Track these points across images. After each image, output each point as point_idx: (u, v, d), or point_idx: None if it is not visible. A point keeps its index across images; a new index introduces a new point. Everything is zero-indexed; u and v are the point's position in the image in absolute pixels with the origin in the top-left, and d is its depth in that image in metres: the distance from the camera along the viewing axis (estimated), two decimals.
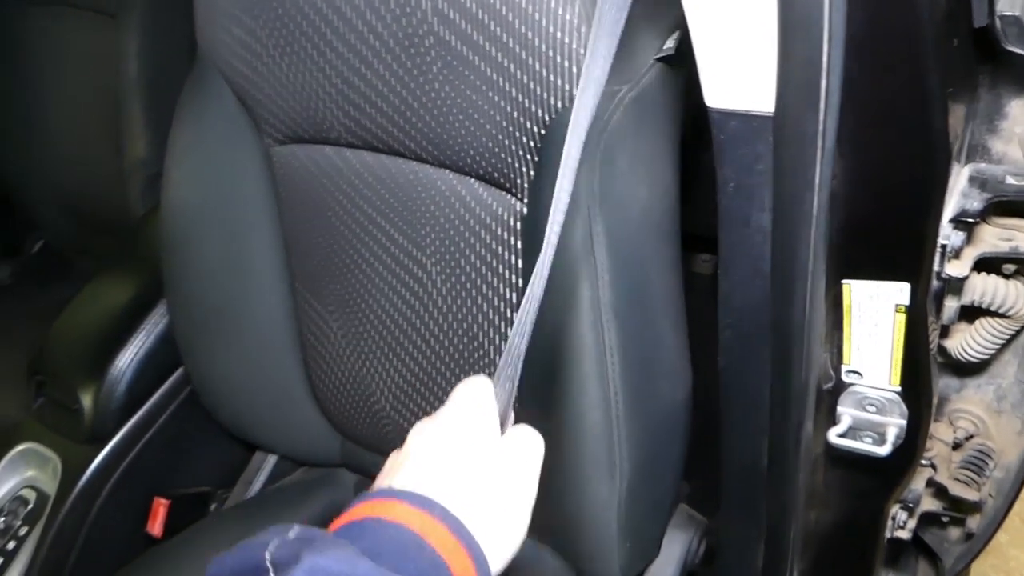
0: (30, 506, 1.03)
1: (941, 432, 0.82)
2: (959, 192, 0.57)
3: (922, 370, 0.65)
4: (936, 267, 0.58)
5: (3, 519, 1.02)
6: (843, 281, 0.60)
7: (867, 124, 0.49)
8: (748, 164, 0.52)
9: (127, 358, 1.01)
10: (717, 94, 0.51)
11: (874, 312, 0.62)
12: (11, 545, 1.00)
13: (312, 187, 0.84)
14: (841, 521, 0.81)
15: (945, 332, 0.69)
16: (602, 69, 0.53)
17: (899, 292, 0.59)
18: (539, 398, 0.74)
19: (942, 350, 0.72)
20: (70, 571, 1.00)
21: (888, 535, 0.85)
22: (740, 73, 0.49)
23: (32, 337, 1.10)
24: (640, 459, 0.74)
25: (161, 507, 1.04)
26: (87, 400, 1.00)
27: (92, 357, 1.01)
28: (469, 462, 0.48)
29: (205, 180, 0.88)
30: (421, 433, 0.50)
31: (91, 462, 1.00)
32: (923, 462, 0.82)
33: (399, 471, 0.47)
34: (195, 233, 0.90)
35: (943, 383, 0.80)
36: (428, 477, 0.46)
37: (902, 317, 0.61)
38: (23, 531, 1.01)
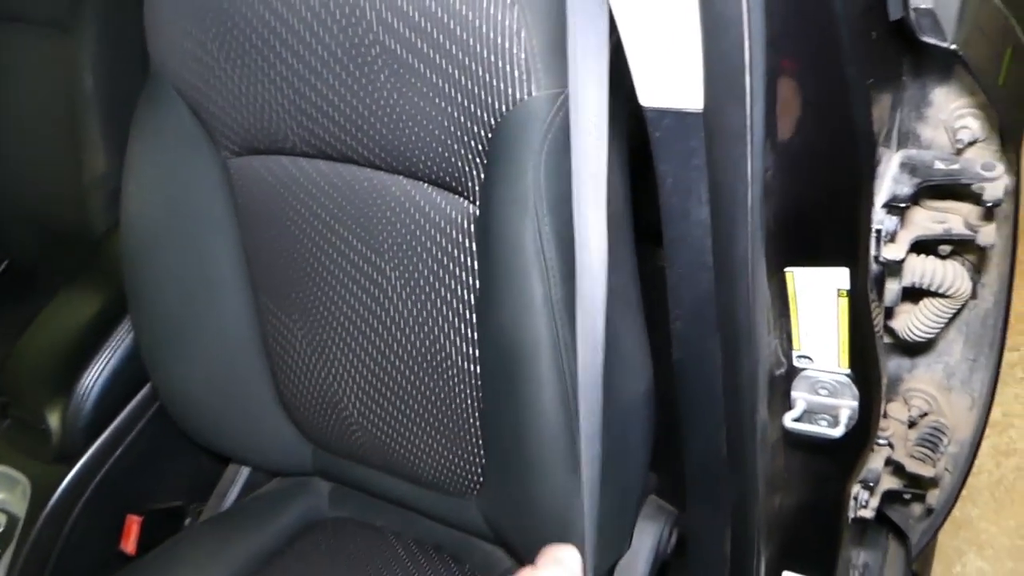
0: (0, 530, 1.02)
1: (896, 411, 0.84)
2: (890, 178, 0.58)
3: (869, 352, 0.67)
4: (873, 251, 0.60)
5: None
6: (786, 269, 0.62)
7: (792, 117, 0.51)
8: (684, 160, 0.53)
9: (93, 375, 1.01)
10: (649, 93, 0.52)
11: (817, 298, 0.63)
12: None
13: (270, 197, 0.84)
14: (804, 504, 0.83)
15: (890, 314, 0.71)
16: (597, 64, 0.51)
17: (839, 277, 0.61)
18: (499, 398, 0.75)
19: (890, 331, 0.74)
20: None
21: (852, 515, 0.86)
22: (669, 72, 0.50)
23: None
24: (602, 453, 0.75)
25: (134, 524, 1.04)
26: (54, 419, 1.00)
27: (57, 375, 1.01)
28: None
29: (163, 193, 0.88)
30: None
31: (60, 482, 1.00)
32: (880, 441, 0.84)
33: None
34: (155, 247, 0.90)
35: (895, 363, 0.82)
36: None
37: (844, 301, 0.63)
38: None
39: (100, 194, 1.18)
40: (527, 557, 0.86)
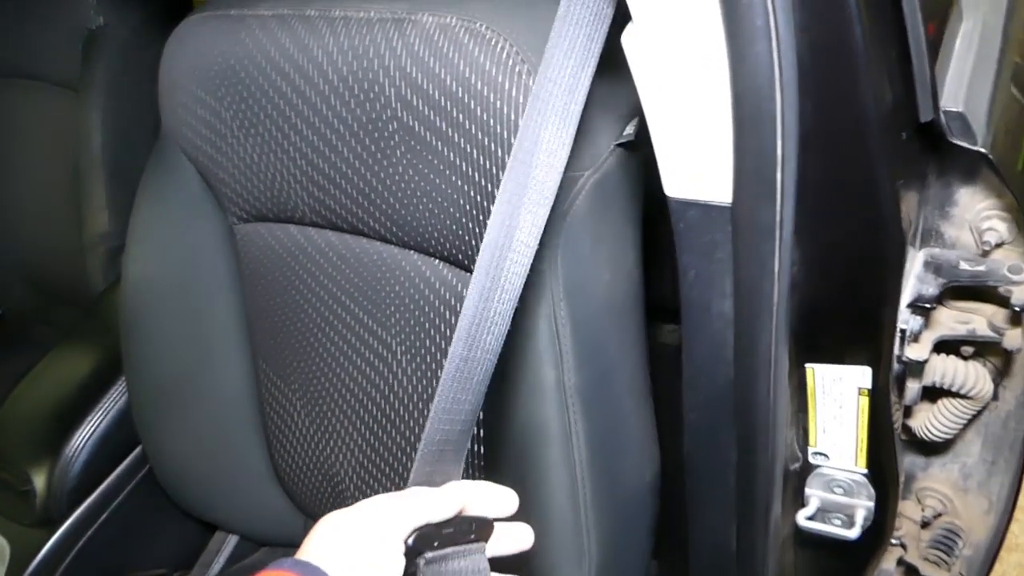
0: None
1: (909, 510, 0.81)
2: (915, 276, 0.57)
3: (887, 451, 0.65)
4: (896, 351, 0.59)
5: None
6: (806, 365, 0.60)
7: (822, 215, 0.50)
8: (708, 252, 0.52)
9: (83, 437, 0.98)
10: (676, 184, 0.51)
11: (838, 395, 0.62)
12: None
13: (276, 265, 0.83)
14: None
15: (908, 412, 0.69)
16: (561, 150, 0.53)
17: (861, 376, 0.59)
18: (507, 482, 0.73)
19: (907, 429, 0.72)
20: None
21: None
22: (697, 165, 0.49)
23: None
24: (608, 543, 0.72)
25: None
26: (39, 481, 0.97)
27: (45, 436, 0.99)
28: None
29: (167, 256, 0.87)
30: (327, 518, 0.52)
31: (42, 547, 0.96)
32: (893, 541, 0.81)
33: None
34: (155, 309, 0.89)
35: (909, 461, 0.80)
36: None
37: (865, 400, 0.61)
38: None
39: (100, 252, 1.17)
40: None
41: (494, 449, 0.74)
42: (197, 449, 0.95)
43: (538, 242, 0.53)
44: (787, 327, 0.54)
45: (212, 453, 0.95)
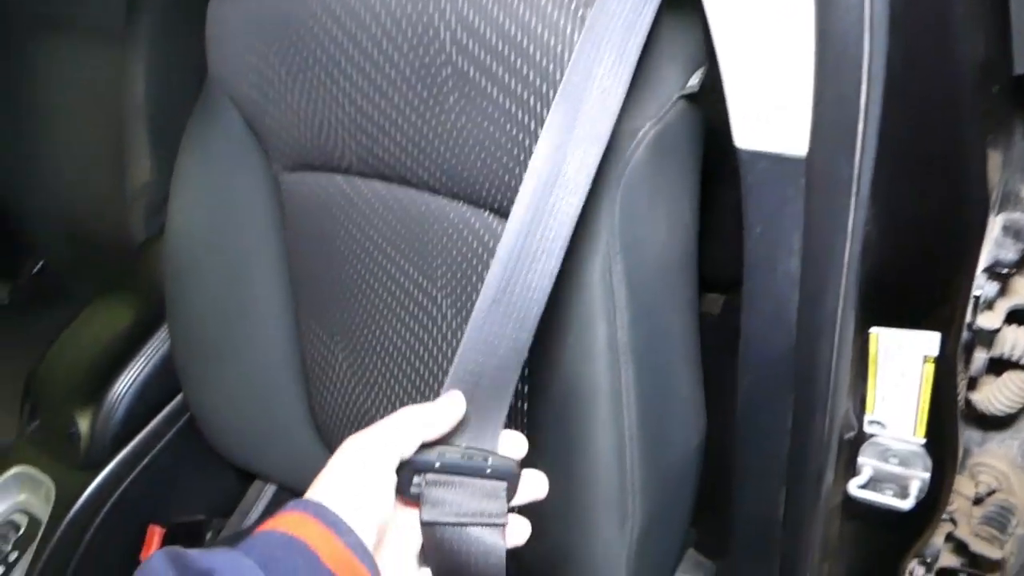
0: (21, 531, 1.00)
1: (962, 486, 0.79)
2: (993, 241, 0.55)
3: (948, 423, 0.63)
4: (968, 318, 0.56)
5: None
6: (871, 330, 0.58)
7: (903, 170, 0.47)
8: (777, 207, 0.50)
9: (125, 384, 0.99)
10: (747, 134, 0.49)
11: (901, 362, 0.59)
12: (0, 570, 0.97)
13: (321, 215, 0.82)
14: (855, 574, 0.79)
15: (972, 384, 0.67)
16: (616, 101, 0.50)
17: (928, 342, 0.57)
18: (549, 441, 0.72)
19: (967, 402, 0.70)
20: None
21: None
22: (772, 113, 0.47)
23: (28, 359, 1.08)
24: (652, 507, 0.71)
25: (156, 536, 1.02)
26: (83, 426, 0.97)
27: (89, 382, 0.99)
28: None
29: (211, 206, 0.86)
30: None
31: (85, 488, 0.97)
32: (944, 516, 0.79)
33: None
34: (199, 259, 0.88)
35: (966, 435, 0.77)
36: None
37: (930, 368, 0.59)
38: (13, 556, 0.98)
39: (142, 203, 1.17)
40: None
41: (539, 406, 0.73)
42: (238, 398, 0.95)
43: (589, 183, 0.50)
44: (856, 288, 0.52)
45: (252, 402, 0.96)
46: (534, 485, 0.56)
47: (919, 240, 0.50)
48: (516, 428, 0.77)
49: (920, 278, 0.53)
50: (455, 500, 0.49)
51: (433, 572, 0.50)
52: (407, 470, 0.50)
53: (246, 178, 0.85)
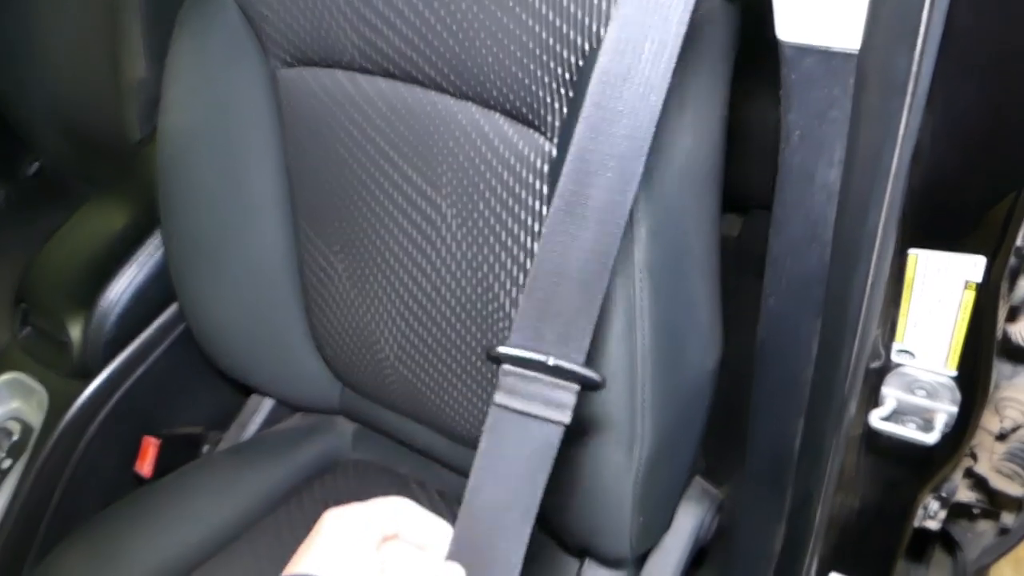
0: (14, 438, 0.98)
1: (986, 420, 0.76)
2: None
3: (984, 355, 0.59)
4: (1018, 241, 0.52)
5: None
6: (910, 251, 0.53)
7: (966, 70, 0.42)
8: (821, 110, 0.45)
9: (118, 290, 0.95)
10: (793, 26, 0.43)
11: (940, 287, 0.55)
12: None
13: (320, 115, 0.77)
14: (869, 508, 0.76)
15: (1012, 314, 0.63)
16: None
17: (972, 266, 0.52)
18: None
19: (1003, 333, 0.66)
20: (55, 507, 0.96)
21: (917, 523, 0.79)
22: (823, 2, 0.42)
23: (23, 262, 1.05)
24: (662, 429, 0.68)
25: (151, 446, 1.00)
26: (75, 332, 0.94)
27: (81, 287, 0.96)
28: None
29: (205, 102, 0.81)
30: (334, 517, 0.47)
31: (78, 396, 0.95)
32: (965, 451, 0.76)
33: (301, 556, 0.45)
34: (192, 158, 0.83)
35: (996, 368, 0.73)
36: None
37: (971, 295, 0.55)
38: (6, 464, 0.97)
39: (137, 101, 1.11)
40: (559, 529, 0.80)
41: None
42: (234, 308, 0.92)
43: (669, 74, 0.43)
44: (900, 204, 0.47)
45: (249, 313, 0.92)
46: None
47: (975, 149, 0.45)
48: None
49: (971, 193, 0.48)
50: (528, 391, 0.48)
51: (482, 456, 0.48)
52: (495, 359, 0.48)
53: (243, 72, 0.79)
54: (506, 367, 0.47)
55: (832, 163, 0.47)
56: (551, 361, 0.46)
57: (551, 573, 0.88)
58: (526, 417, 0.48)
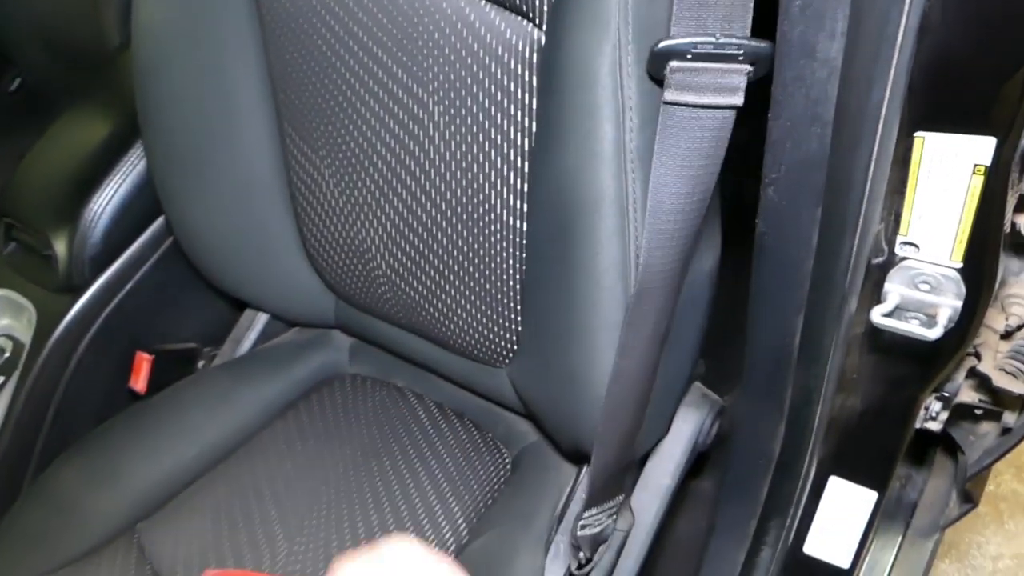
0: (6, 355, 0.97)
1: (990, 318, 0.74)
2: None
3: (991, 245, 0.57)
4: None
5: None
6: (916, 134, 0.51)
7: None
8: None
9: (102, 202, 0.93)
10: None
11: (947, 173, 0.53)
12: None
13: (300, 9, 0.73)
14: (870, 408, 0.75)
15: (1021, 205, 0.60)
16: None
17: (982, 148, 0.50)
18: (548, 258, 0.66)
19: (1012, 225, 0.63)
20: (50, 423, 0.95)
21: (918, 425, 0.78)
22: None
23: (6, 178, 1.02)
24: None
25: (144, 362, 0.99)
26: (60, 247, 0.92)
27: (63, 200, 0.93)
28: None
29: None
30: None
31: (67, 313, 0.94)
32: (969, 350, 0.74)
33: None
34: (169, 61, 0.80)
35: (1003, 263, 0.71)
36: None
37: (979, 180, 0.52)
38: None
39: (113, 4, 1.06)
40: (555, 431, 0.80)
41: (538, 222, 0.67)
42: (222, 219, 0.90)
43: None
44: (906, 80, 0.44)
45: (238, 224, 0.90)
46: None
47: (986, 20, 0.42)
48: (510, 247, 0.72)
49: (980, 70, 0.45)
50: (699, 83, 0.49)
51: (659, 154, 0.52)
52: (661, 56, 0.50)
53: None
54: (673, 64, 0.49)
55: (834, 35, 0.44)
56: (720, 38, 0.47)
57: (550, 480, 0.88)
58: (698, 109, 0.50)
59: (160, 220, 0.97)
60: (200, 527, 0.83)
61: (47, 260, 0.94)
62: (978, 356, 0.76)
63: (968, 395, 0.80)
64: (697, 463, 0.90)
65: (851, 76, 0.45)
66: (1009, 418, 0.81)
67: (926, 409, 0.77)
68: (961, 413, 0.87)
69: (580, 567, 0.79)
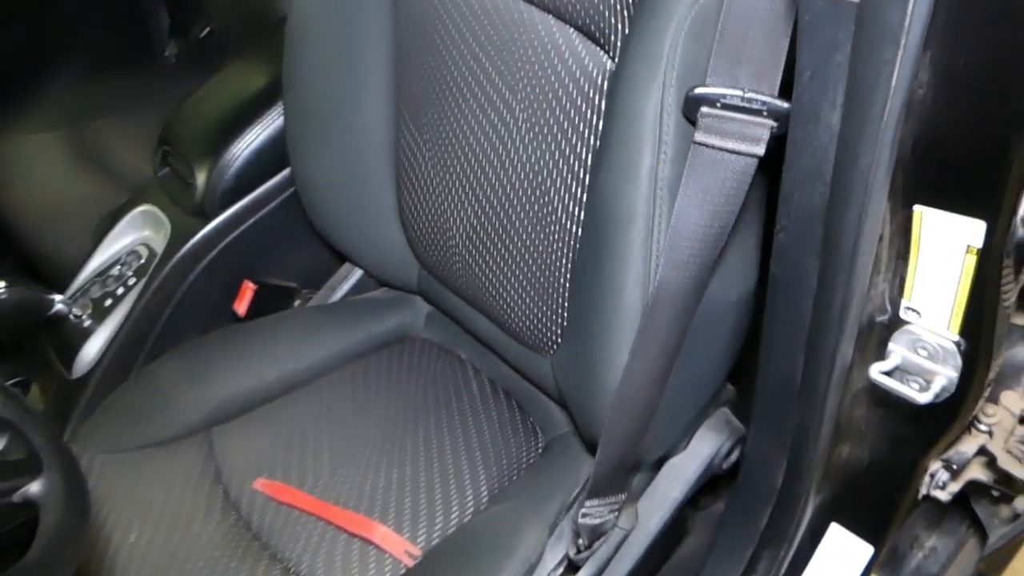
0: (141, 261, 1.14)
1: (1010, 401, 0.76)
2: None
3: (986, 323, 0.61)
4: (1022, 212, 0.53)
5: (119, 268, 1.14)
6: (915, 206, 0.55)
7: (961, 28, 0.44)
8: (827, 52, 0.48)
9: (241, 147, 1.07)
10: None
11: (943, 248, 0.57)
12: (120, 291, 1.12)
13: (428, 11, 0.84)
14: (873, 462, 0.79)
15: None
16: None
17: (972, 230, 0.54)
18: (589, 262, 0.74)
19: None
20: (163, 324, 1.11)
21: (924, 491, 0.81)
22: None
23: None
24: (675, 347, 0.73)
25: (249, 290, 1.13)
26: (200, 177, 1.08)
27: (210, 139, 1.08)
28: None
29: None
30: None
31: (195, 233, 1.09)
32: (982, 427, 0.77)
33: None
34: (315, 36, 0.93)
35: None
36: None
37: (972, 260, 0.56)
38: (131, 281, 1.12)
39: None
40: (578, 421, 0.87)
41: (587, 228, 0.75)
42: (336, 178, 1.02)
43: None
44: (892, 153, 0.50)
45: (349, 185, 1.02)
46: None
47: (972, 108, 0.47)
48: (564, 248, 0.80)
49: (968, 151, 0.50)
50: (726, 129, 0.56)
51: (684, 187, 0.58)
52: (694, 101, 0.56)
53: None
54: (704, 109, 0.56)
55: (835, 106, 0.50)
56: (747, 93, 0.54)
57: (571, 470, 0.95)
58: (723, 152, 0.56)
59: (286, 171, 1.11)
60: (262, 440, 0.96)
61: (189, 187, 1.09)
62: (991, 435, 0.78)
63: (981, 473, 0.82)
64: (712, 485, 0.95)
65: (845, 143, 0.50)
66: (1020, 504, 0.83)
67: (932, 476, 0.80)
68: (980, 491, 0.88)
69: (578, 552, 0.86)
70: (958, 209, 0.53)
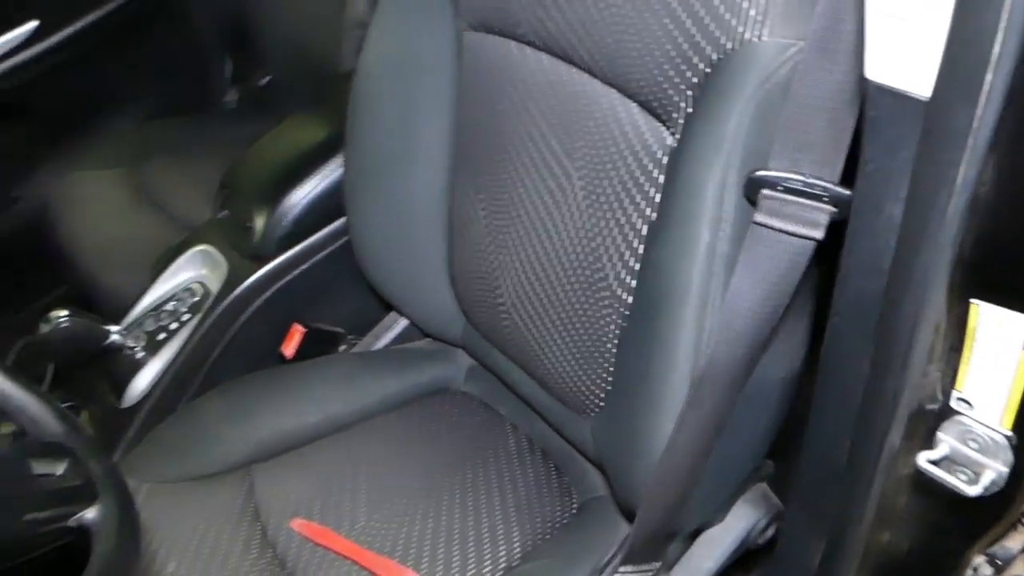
0: (196, 298, 1.17)
1: None
2: None
3: None
4: None
5: (174, 303, 1.18)
6: (972, 300, 0.56)
7: None
8: (893, 147, 0.49)
9: (300, 195, 1.11)
10: (877, 67, 0.48)
11: (999, 343, 0.57)
12: (173, 326, 1.15)
13: (491, 78, 0.87)
14: (914, 550, 0.78)
15: None
16: None
17: None
18: (639, 332, 0.75)
19: None
20: (212, 361, 1.13)
21: None
22: (905, 49, 0.46)
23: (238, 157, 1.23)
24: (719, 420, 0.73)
25: (297, 332, 1.15)
26: (259, 222, 1.11)
27: (271, 185, 1.12)
28: None
29: (398, 48, 0.93)
30: None
31: (250, 275, 1.12)
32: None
33: None
34: (380, 92, 0.96)
35: None
36: None
37: None
38: (185, 317, 1.15)
39: (354, 36, 1.26)
40: (615, 487, 0.87)
41: (639, 298, 0.76)
42: (389, 231, 1.04)
43: None
44: (953, 250, 0.51)
45: (401, 238, 1.04)
46: None
47: None
48: (614, 315, 0.81)
49: None
50: (785, 212, 0.57)
51: (742, 266, 0.60)
52: (756, 183, 0.58)
53: (436, 27, 0.91)
54: (765, 191, 0.57)
55: (898, 199, 0.51)
56: (808, 178, 0.55)
57: (605, 534, 0.94)
58: (782, 234, 0.57)
59: (341, 220, 1.14)
60: (301, 481, 0.97)
61: (247, 230, 1.12)
62: None
63: None
64: (745, 560, 0.94)
65: (906, 238, 0.51)
66: None
67: (975, 570, 0.79)
68: None
69: None
70: (1016, 306, 0.54)
